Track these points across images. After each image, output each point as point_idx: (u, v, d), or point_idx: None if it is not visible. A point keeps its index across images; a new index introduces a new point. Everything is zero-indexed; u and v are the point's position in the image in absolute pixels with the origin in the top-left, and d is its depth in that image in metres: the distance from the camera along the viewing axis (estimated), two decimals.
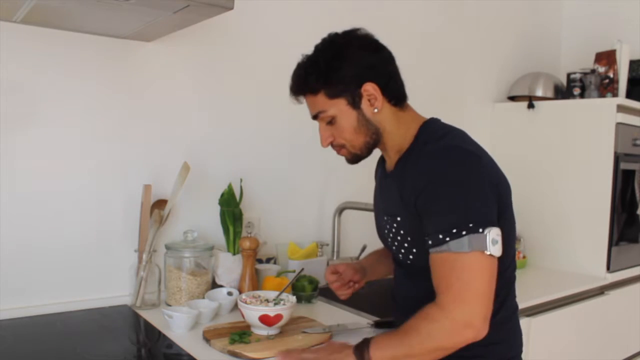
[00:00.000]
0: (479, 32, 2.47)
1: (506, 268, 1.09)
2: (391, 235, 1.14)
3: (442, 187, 0.99)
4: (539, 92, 2.39)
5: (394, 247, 1.15)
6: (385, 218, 1.15)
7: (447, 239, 0.96)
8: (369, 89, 1.09)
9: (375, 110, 1.10)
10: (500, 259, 0.99)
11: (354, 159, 1.16)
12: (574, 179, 2.23)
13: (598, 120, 2.16)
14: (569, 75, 2.35)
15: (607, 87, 2.25)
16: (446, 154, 1.03)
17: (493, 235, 0.96)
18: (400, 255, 1.14)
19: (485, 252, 0.95)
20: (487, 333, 0.96)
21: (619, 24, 2.64)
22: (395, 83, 1.13)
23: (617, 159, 2.13)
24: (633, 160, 2.23)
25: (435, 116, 1.17)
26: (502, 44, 2.58)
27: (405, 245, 1.10)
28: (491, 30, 2.53)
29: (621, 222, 2.21)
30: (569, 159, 2.25)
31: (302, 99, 1.15)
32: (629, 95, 2.29)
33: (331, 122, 1.11)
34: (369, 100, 1.09)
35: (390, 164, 1.17)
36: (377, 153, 1.29)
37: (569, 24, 2.88)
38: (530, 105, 2.35)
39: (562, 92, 2.40)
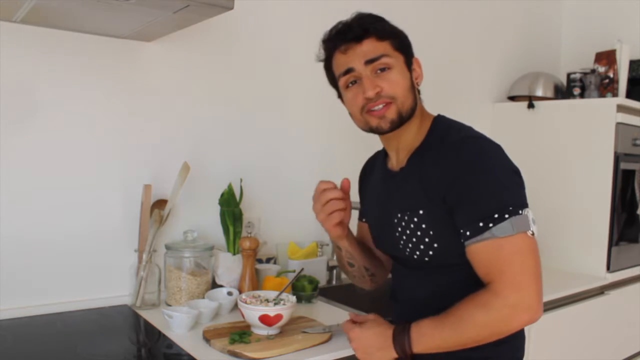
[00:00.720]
0: (479, 32, 2.47)
1: None
2: (407, 232, 1.08)
3: (474, 176, 0.99)
4: (539, 92, 2.39)
5: (408, 248, 1.09)
6: (399, 215, 1.10)
7: (490, 225, 0.96)
8: (417, 64, 1.13)
9: (418, 83, 1.13)
10: None
11: (398, 119, 1.07)
12: (574, 179, 2.22)
13: (598, 120, 2.16)
14: (569, 75, 2.35)
15: (607, 87, 2.25)
16: (470, 144, 1.03)
17: (531, 215, 0.97)
18: (416, 255, 1.08)
19: (528, 232, 0.96)
20: None
21: (619, 24, 2.64)
22: None
23: (617, 159, 2.13)
24: (633, 160, 2.23)
25: None
26: (502, 43, 2.58)
27: (426, 240, 1.06)
28: (491, 30, 2.53)
29: (621, 222, 2.21)
30: (569, 159, 2.25)
31: (334, 54, 1.11)
32: (629, 95, 2.29)
33: (385, 70, 1.07)
34: (414, 73, 1.13)
35: (399, 161, 1.15)
36: (360, 161, 1.29)
37: (569, 23, 2.88)
38: (530, 105, 2.35)
39: (562, 92, 2.39)
